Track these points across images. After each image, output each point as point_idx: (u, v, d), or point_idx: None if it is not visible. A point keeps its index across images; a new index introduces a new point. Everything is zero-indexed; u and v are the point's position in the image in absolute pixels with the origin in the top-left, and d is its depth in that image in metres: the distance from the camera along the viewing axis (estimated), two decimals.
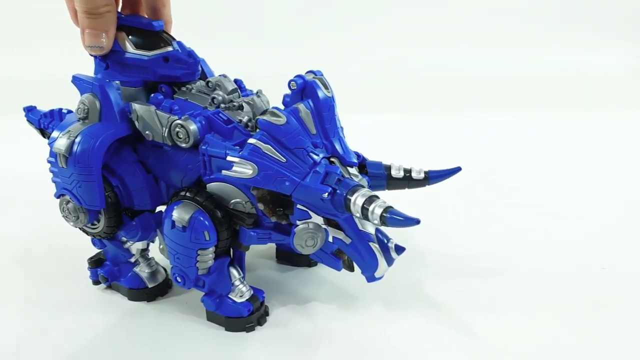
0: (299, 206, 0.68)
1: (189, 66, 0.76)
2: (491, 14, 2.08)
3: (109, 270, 0.83)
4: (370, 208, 0.63)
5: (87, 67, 0.83)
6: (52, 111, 0.92)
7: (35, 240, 1.01)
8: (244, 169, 0.67)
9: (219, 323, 0.77)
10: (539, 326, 0.76)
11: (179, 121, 0.71)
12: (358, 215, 0.65)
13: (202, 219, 0.70)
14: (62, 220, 0.98)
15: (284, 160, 0.67)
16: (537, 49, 2.07)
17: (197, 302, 0.80)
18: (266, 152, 0.66)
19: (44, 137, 0.96)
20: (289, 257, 0.91)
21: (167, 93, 0.77)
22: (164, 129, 0.72)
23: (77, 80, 0.77)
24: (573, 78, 1.95)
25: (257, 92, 0.79)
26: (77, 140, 0.71)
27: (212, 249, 0.72)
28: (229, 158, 0.67)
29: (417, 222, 0.60)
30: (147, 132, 0.73)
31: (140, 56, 0.76)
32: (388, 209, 0.62)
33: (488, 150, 1.43)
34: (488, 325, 0.77)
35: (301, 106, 0.68)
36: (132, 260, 0.82)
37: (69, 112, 0.90)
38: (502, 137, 1.54)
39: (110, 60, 0.79)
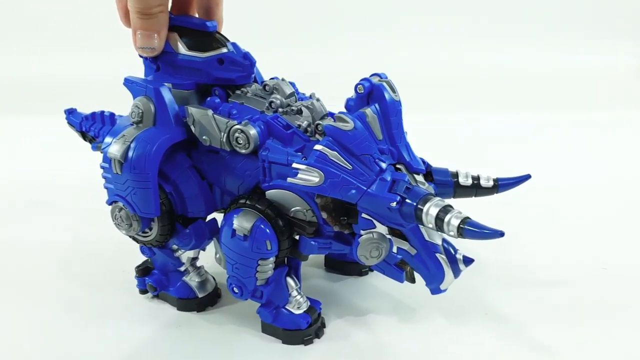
0: (363, 215, 0.65)
1: (244, 68, 0.74)
2: (491, 14, 2.06)
3: (157, 279, 0.80)
4: (446, 219, 0.60)
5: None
6: (93, 114, 0.90)
7: (78, 247, 0.98)
8: (310, 177, 0.64)
9: (276, 335, 0.74)
10: (608, 337, 0.74)
11: (238, 126, 0.68)
12: (431, 226, 0.62)
13: (264, 227, 0.67)
14: (105, 227, 0.95)
15: (350, 167, 0.64)
16: (537, 49, 2.04)
17: (248, 312, 0.78)
18: (332, 159, 0.63)
19: (85, 140, 0.93)
20: (339, 266, 0.88)
21: (221, 96, 0.75)
22: (222, 134, 0.69)
23: (129, 83, 0.74)
24: (574, 78, 1.92)
25: (311, 95, 0.76)
26: (133, 145, 0.68)
27: (272, 259, 0.69)
28: (294, 165, 0.64)
29: (501, 234, 0.57)
30: (204, 137, 0.71)
31: (193, 58, 0.74)
32: (466, 220, 0.59)
33: (488, 150, 1.40)
34: (551, 337, 0.74)
35: (368, 111, 0.65)
36: (182, 269, 0.79)
37: (111, 114, 0.88)
38: (501, 137, 1.51)
39: (161, 62, 0.76)
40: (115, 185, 0.71)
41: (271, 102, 0.71)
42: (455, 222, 0.59)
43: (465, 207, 0.94)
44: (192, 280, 0.79)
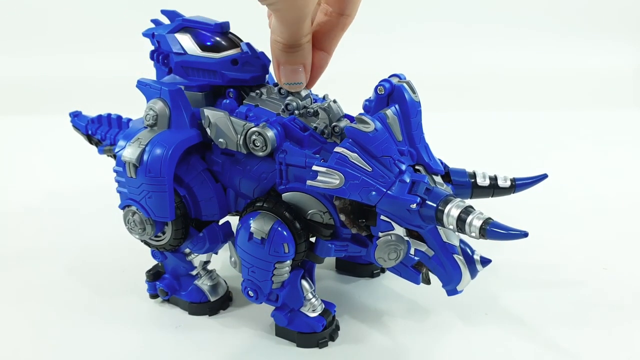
0: (382, 217, 0.65)
1: (258, 69, 0.73)
2: (492, 14, 2.06)
3: (168, 283, 0.79)
4: (468, 220, 0.60)
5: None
6: (100, 117, 0.89)
7: (84, 249, 0.97)
8: (330, 179, 0.63)
9: (290, 339, 0.74)
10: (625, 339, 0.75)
11: (255, 128, 0.67)
12: (451, 227, 0.62)
13: (281, 230, 0.66)
14: (110, 228, 0.94)
15: (369, 169, 0.63)
16: (537, 49, 2.03)
17: (261, 315, 0.77)
18: (353, 161, 0.63)
19: (91, 143, 0.92)
20: (350, 268, 0.88)
21: (235, 98, 0.74)
22: (239, 136, 0.69)
23: (142, 85, 0.73)
24: (573, 78, 1.92)
25: (325, 97, 0.75)
26: (148, 148, 0.67)
27: (289, 262, 0.68)
28: (315, 167, 0.64)
29: (524, 235, 0.58)
30: (220, 139, 0.70)
31: (207, 59, 0.73)
32: (489, 221, 0.59)
33: (487, 150, 1.41)
34: (565, 338, 0.74)
35: (389, 112, 0.65)
36: (194, 273, 0.78)
37: (118, 117, 0.87)
38: (500, 137, 1.52)
39: (173, 64, 0.75)
40: (128, 189, 0.70)
41: (287, 104, 0.71)
42: (478, 223, 0.59)
43: (507, 210, 0.91)
44: (204, 284, 0.79)
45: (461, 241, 0.67)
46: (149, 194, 0.68)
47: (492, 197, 0.75)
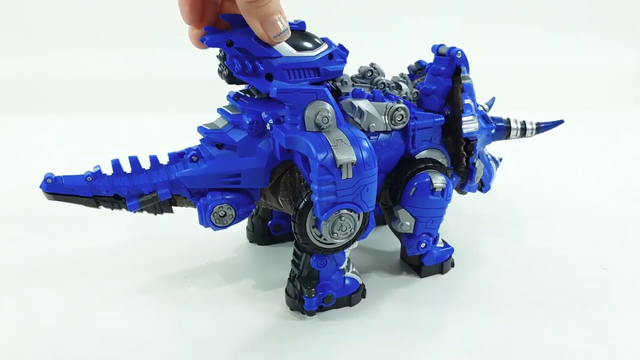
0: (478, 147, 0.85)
1: (345, 59, 0.78)
2: (492, 14, 2.06)
3: (329, 286, 0.77)
4: (528, 127, 0.93)
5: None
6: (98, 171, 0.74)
7: (86, 252, 0.91)
8: (474, 125, 0.81)
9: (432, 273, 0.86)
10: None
11: (397, 105, 0.76)
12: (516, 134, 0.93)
13: (448, 179, 0.80)
14: (115, 231, 0.98)
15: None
16: (537, 50, 2.05)
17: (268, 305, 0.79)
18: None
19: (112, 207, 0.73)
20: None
21: (331, 90, 0.77)
22: (384, 117, 0.75)
23: (286, 93, 0.68)
24: (573, 78, 1.94)
25: (374, 66, 0.85)
26: (359, 144, 0.67)
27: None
28: (464, 118, 0.79)
29: (561, 121, 0.95)
30: (372, 124, 0.75)
31: (307, 57, 0.74)
32: (539, 124, 0.94)
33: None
34: (564, 338, 0.73)
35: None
36: (343, 266, 0.78)
37: (132, 159, 0.74)
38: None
39: (272, 69, 0.71)
40: (339, 193, 0.67)
41: (382, 83, 0.81)
42: (532, 126, 0.94)
43: (465, 204, 1.08)
44: (353, 271, 0.80)
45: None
46: (366, 187, 0.68)
47: (520, 137, 0.97)
